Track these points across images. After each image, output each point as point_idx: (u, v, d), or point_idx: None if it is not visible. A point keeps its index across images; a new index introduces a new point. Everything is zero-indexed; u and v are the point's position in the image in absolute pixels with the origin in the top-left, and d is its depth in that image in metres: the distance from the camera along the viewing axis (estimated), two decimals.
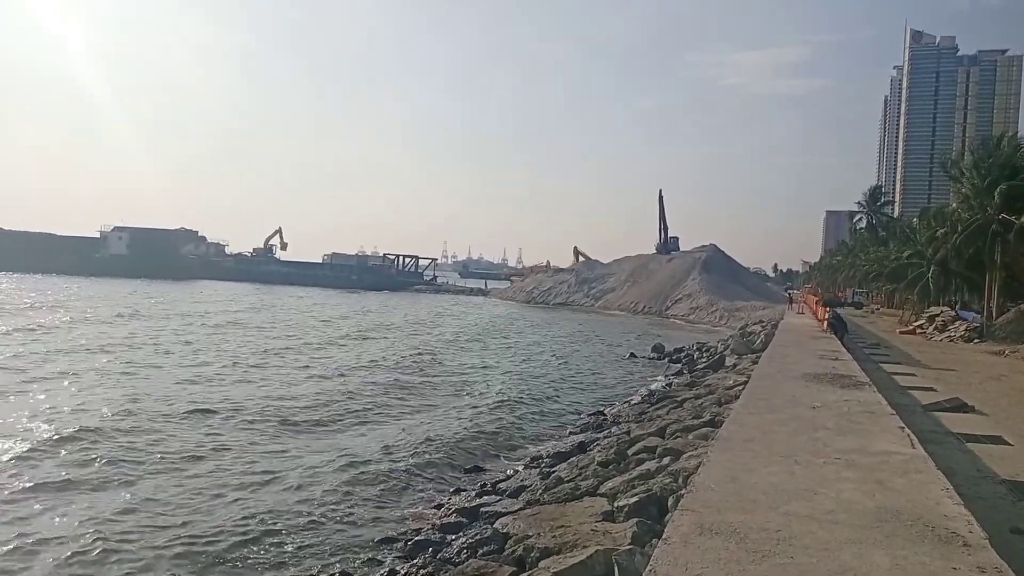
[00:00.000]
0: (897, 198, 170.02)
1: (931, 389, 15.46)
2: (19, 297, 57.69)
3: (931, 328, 34.14)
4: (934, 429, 11.08)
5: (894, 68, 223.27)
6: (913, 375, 18.18)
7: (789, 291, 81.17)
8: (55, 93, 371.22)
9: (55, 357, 26.89)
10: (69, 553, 9.59)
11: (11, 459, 13.59)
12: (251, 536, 10.46)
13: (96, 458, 13.85)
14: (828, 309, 32.04)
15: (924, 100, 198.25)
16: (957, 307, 40.56)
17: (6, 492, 11.86)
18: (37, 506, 11.35)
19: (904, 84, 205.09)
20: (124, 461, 13.82)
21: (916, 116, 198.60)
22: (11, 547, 9.75)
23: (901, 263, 49.99)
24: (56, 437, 15.07)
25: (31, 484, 12.22)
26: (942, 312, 36.64)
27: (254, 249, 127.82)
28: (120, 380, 22.89)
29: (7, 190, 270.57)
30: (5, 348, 28.68)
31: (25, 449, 14.18)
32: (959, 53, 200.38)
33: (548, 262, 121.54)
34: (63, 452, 14.16)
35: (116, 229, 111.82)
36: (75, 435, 15.29)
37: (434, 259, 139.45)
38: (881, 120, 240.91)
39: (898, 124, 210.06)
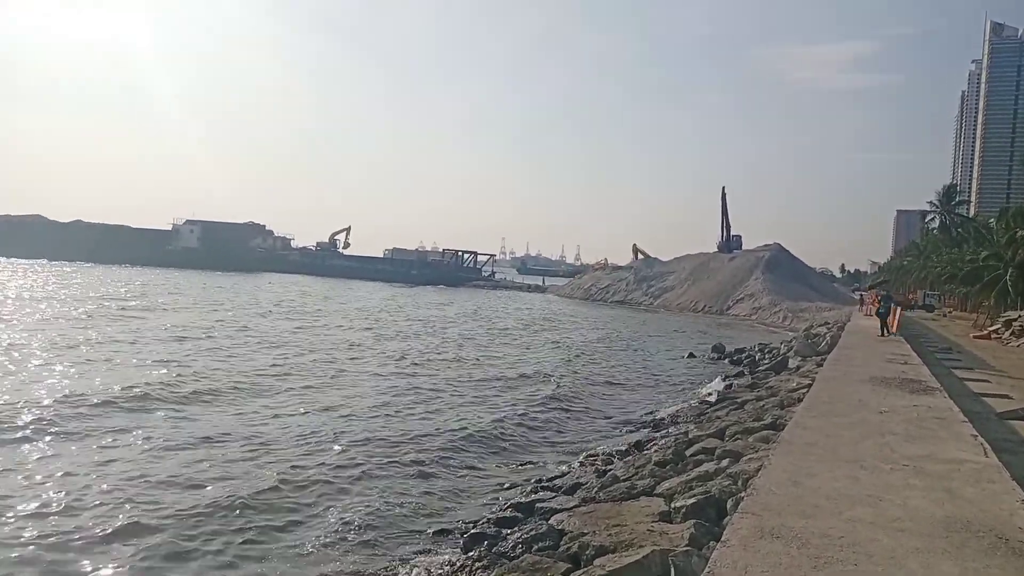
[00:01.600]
0: (973, 198, 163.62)
1: (1007, 396, 14.83)
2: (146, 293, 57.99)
3: (1008, 333, 32.71)
4: (1009, 438, 10.63)
5: (972, 62, 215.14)
6: (987, 381, 17.47)
7: (860, 292, 78.82)
8: (132, 95, 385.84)
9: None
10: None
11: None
12: (306, 525, 10.69)
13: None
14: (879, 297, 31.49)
15: (1004, 95, 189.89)
16: None
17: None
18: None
19: (983, 78, 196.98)
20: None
21: (995, 112, 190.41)
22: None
23: (977, 265, 48.06)
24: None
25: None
26: (1020, 316, 35.07)
27: (318, 243, 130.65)
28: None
29: (89, 186, 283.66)
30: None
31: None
32: None
33: (606, 260, 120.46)
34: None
35: (188, 222, 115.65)
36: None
37: (493, 255, 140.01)
38: (957, 116, 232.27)
39: (975, 120, 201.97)
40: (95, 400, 17.58)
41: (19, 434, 14.39)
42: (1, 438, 14.05)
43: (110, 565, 9.09)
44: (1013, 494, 6.25)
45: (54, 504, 10.83)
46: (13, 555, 9.11)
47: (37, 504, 10.77)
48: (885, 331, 26.10)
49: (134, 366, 23.20)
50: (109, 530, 10.04)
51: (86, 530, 10.00)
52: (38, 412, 16.01)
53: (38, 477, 12.00)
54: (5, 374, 20.56)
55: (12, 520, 10.14)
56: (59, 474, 12.18)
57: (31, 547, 9.36)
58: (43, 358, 23.65)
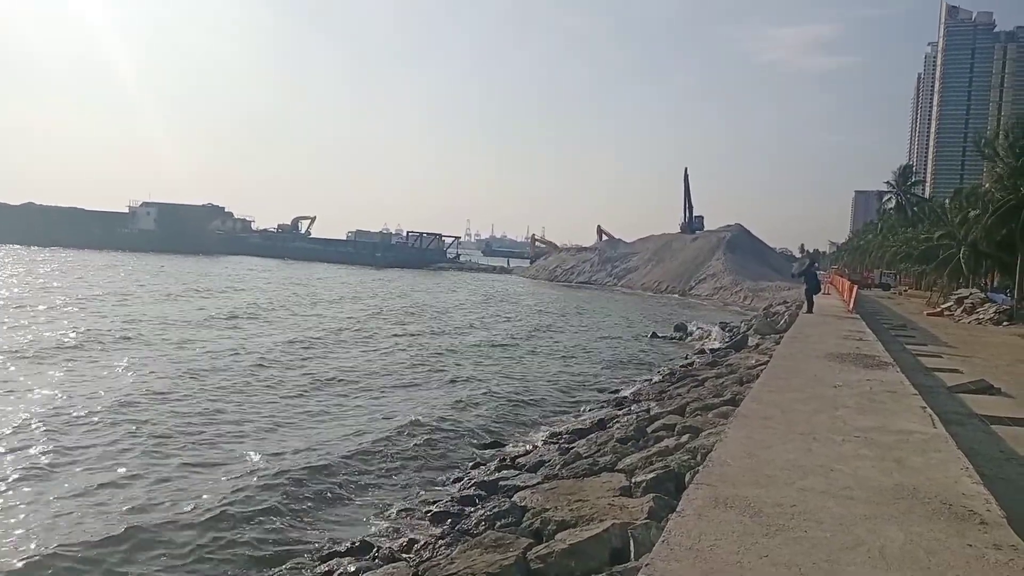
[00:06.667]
0: (928, 178, 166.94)
1: (956, 371, 15.27)
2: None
3: (959, 310, 33.65)
4: (957, 410, 10.96)
5: (928, 45, 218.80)
6: (939, 356, 17.96)
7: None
8: (85, 74, 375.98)
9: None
10: None
11: None
12: (266, 506, 10.61)
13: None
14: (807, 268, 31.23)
15: (959, 77, 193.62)
16: (987, 289, 39.93)
17: None
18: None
19: (938, 61, 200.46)
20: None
21: (950, 93, 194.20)
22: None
23: (931, 244, 49.25)
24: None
25: None
26: (971, 294, 36.10)
27: (279, 225, 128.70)
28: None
29: (42, 168, 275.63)
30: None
31: None
32: (996, 29, 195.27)
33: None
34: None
35: (144, 204, 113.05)
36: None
37: (457, 237, 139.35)
38: (914, 98, 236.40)
39: (931, 102, 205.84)
40: None
41: None
42: None
43: None
44: (958, 462, 6.45)
45: None
46: None
47: None
48: (811, 307, 26.35)
49: None
50: None
51: None
52: None
53: None
54: None
55: None
56: None
57: None
58: None
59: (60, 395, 16.62)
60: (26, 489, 10.83)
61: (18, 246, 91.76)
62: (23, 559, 8.56)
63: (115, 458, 12.37)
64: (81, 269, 62.17)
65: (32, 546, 8.95)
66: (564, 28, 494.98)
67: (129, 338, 25.68)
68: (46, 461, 12.02)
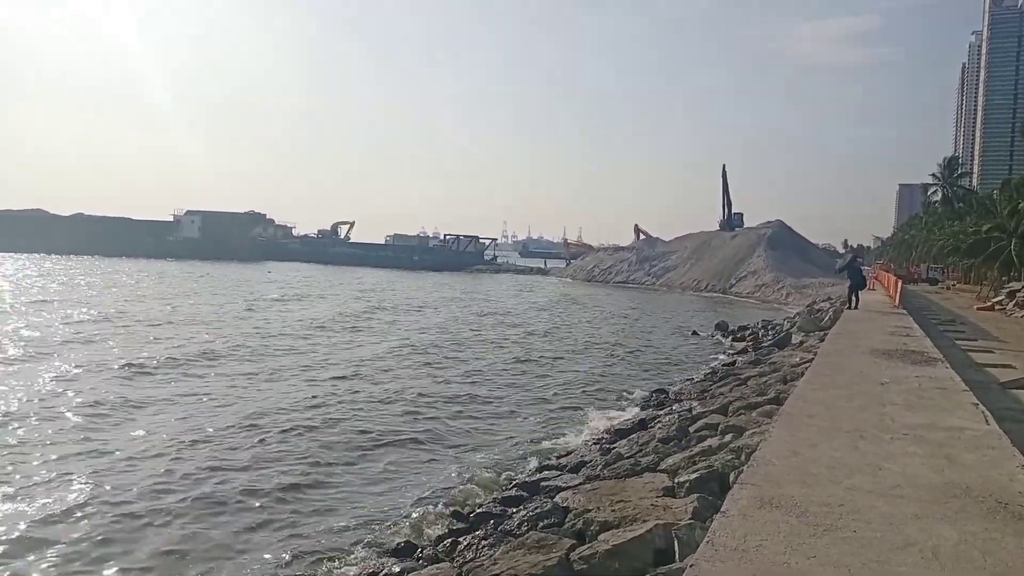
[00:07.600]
0: (975, 169, 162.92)
1: (1009, 366, 14.80)
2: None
3: (1011, 304, 32.65)
4: (1011, 407, 10.63)
5: (973, 34, 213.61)
6: (990, 352, 17.44)
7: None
8: (128, 87, 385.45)
9: None
10: None
11: None
12: (313, 506, 10.76)
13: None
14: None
15: (1005, 66, 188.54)
16: None
17: None
18: None
19: (984, 50, 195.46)
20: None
21: (996, 83, 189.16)
22: None
23: (980, 237, 47.90)
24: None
25: None
26: (1023, 287, 35.00)
27: (319, 231, 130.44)
28: None
29: (90, 179, 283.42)
30: None
31: None
32: None
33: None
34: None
35: (188, 213, 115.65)
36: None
37: (494, 239, 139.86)
38: (958, 88, 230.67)
39: (976, 92, 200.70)
40: None
41: None
42: None
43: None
44: (1013, 460, 6.27)
45: None
46: None
47: None
48: (855, 303, 25.62)
49: None
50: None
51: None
52: None
53: None
54: None
55: None
56: None
57: None
58: None
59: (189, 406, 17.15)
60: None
61: (74, 256, 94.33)
62: None
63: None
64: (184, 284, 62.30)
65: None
66: (593, 28, 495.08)
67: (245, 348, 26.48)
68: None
